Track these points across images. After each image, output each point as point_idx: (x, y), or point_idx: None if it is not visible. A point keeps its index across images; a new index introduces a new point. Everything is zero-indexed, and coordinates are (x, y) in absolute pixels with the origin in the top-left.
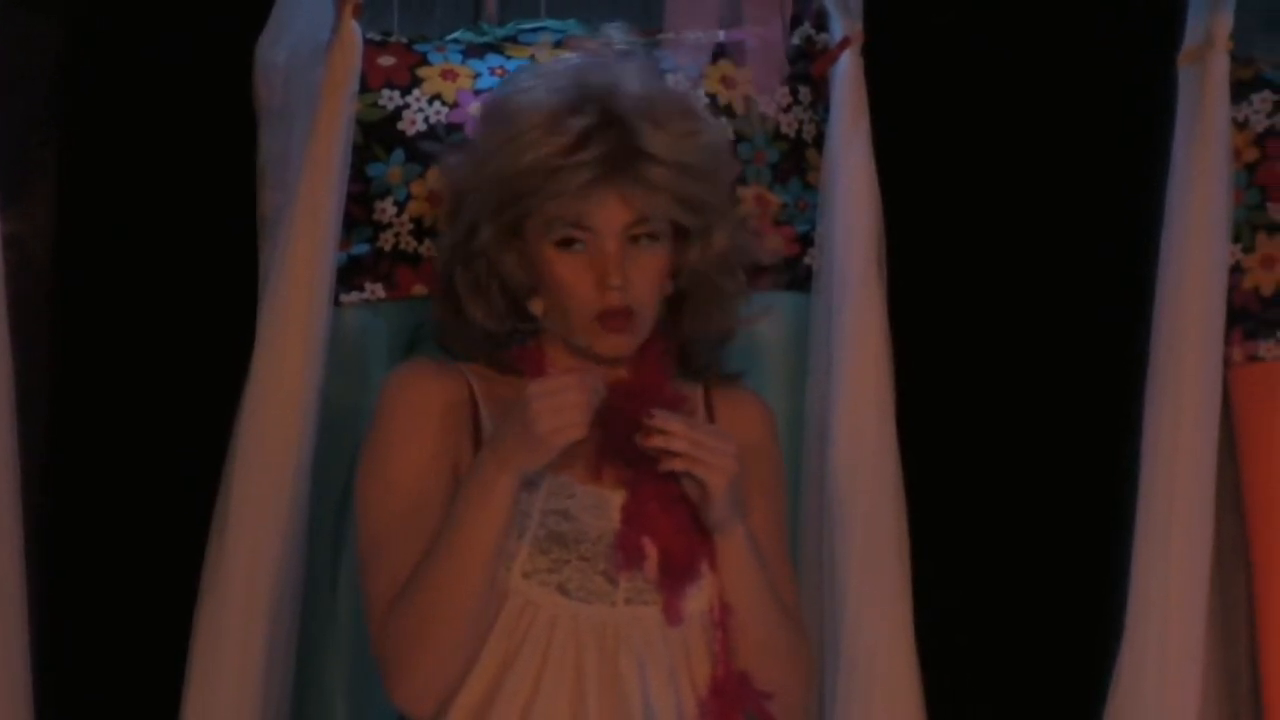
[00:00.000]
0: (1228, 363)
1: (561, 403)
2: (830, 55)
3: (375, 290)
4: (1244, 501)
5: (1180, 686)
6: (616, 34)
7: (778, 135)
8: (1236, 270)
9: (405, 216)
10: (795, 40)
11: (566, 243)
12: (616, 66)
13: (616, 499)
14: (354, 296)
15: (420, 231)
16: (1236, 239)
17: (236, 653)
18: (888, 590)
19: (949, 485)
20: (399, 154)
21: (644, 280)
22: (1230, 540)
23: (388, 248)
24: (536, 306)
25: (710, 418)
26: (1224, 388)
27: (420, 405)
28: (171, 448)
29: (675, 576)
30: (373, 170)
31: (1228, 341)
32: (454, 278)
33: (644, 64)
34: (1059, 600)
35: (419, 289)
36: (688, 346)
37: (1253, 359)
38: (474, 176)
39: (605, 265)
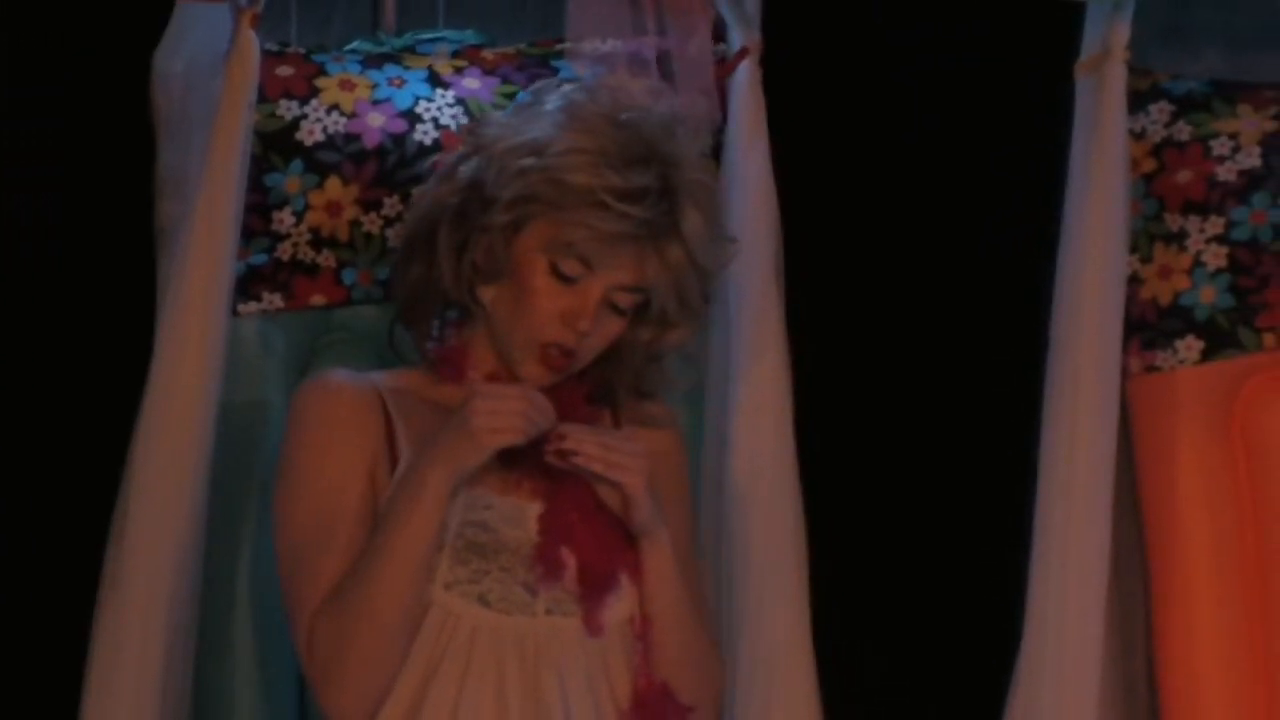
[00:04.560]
0: (1125, 373)
1: (504, 407)
2: (728, 65)
3: (273, 300)
4: (1141, 510)
5: (1077, 694)
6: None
7: None
8: (1134, 280)
9: (303, 227)
10: None
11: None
12: (677, 131)
13: (533, 510)
14: (252, 306)
15: (318, 242)
16: (1134, 249)
17: (135, 658)
18: (786, 596)
19: (847, 492)
20: (297, 164)
21: (599, 337)
22: (1128, 549)
23: (285, 258)
24: (486, 294)
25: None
26: (1122, 398)
27: (331, 415)
28: (69, 456)
29: (595, 587)
30: (271, 180)
31: (1125, 351)
32: (436, 231)
33: (693, 131)
34: (957, 606)
35: (317, 299)
36: (603, 380)
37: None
38: (519, 155)
39: (583, 306)
